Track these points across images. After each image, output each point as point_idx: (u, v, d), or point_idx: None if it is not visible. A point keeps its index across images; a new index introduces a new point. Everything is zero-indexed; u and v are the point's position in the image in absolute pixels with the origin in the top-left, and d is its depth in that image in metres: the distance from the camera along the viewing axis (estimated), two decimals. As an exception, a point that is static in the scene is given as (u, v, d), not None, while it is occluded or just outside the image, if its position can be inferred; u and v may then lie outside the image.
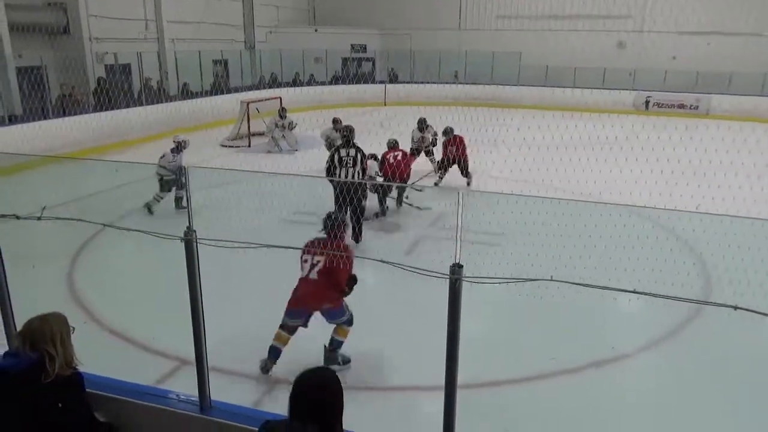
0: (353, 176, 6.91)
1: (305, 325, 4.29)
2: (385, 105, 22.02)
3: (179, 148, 8.44)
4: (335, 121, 11.13)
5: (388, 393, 4.25)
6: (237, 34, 22.00)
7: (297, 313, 4.23)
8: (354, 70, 24.95)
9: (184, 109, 15.74)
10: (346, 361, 4.48)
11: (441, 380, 2.71)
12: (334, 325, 4.38)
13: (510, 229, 7.75)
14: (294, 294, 4.23)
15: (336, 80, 23.68)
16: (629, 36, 23.21)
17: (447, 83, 22.84)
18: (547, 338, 4.97)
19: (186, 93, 17.31)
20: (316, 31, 24.97)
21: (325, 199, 7.50)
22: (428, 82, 22.42)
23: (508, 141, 11.23)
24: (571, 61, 22.18)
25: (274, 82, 21.03)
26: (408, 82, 22.86)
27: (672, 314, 5.21)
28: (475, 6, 24.81)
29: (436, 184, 10.09)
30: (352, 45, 25.01)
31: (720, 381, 4.43)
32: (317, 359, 4.32)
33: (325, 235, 4.33)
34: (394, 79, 24.05)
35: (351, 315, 4.36)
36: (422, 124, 11.23)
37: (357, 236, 7.06)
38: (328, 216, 4.38)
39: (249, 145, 14.05)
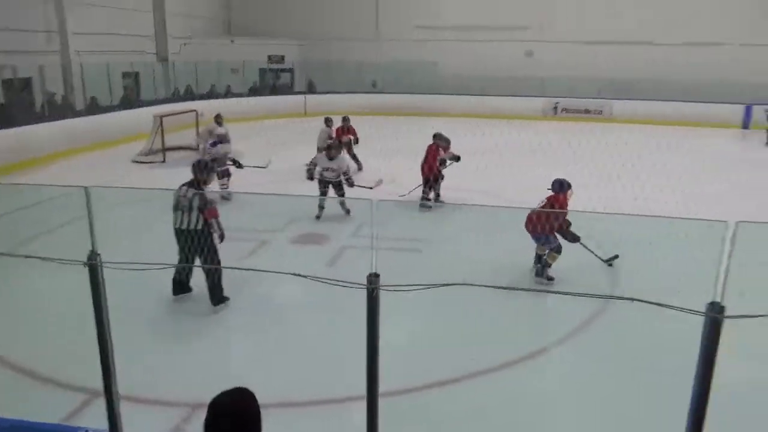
0: (189, 224, 5.36)
1: None
2: (305, 115, 21.90)
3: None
4: (327, 120, 12.38)
5: (310, 408, 4.20)
6: (148, 45, 21.20)
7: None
8: (272, 81, 24.68)
9: (92, 124, 14.96)
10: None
11: (363, 390, 2.72)
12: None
13: (432, 236, 7.95)
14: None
15: (254, 91, 23.32)
16: (536, 45, 24.39)
17: (366, 93, 23.09)
18: (467, 340, 5.07)
19: (94, 107, 16.46)
20: (232, 42, 24.52)
21: (251, 215, 7.36)
22: (347, 92, 22.53)
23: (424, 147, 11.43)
24: (485, 69, 23.07)
25: (189, 95, 20.42)
26: (327, 93, 22.86)
27: (584, 308, 5.49)
28: (392, 17, 25.29)
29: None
30: (269, 56, 24.73)
31: (627, 367, 4.70)
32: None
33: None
34: (312, 89, 23.99)
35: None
36: (329, 123, 12.39)
37: (215, 300, 5.55)
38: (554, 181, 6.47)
39: (164, 161, 13.55)
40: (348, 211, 8.81)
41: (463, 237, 7.60)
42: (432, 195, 9.64)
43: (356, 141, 12.90)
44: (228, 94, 21.99)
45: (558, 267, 6.33)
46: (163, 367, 4.59)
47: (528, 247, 6.49)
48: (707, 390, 2.56)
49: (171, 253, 5.48)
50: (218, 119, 13.48)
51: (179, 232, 5.42)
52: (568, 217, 6.29)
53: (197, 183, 5.56)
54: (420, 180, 9.58)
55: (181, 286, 5.74)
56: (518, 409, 4.21)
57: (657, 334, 4.82)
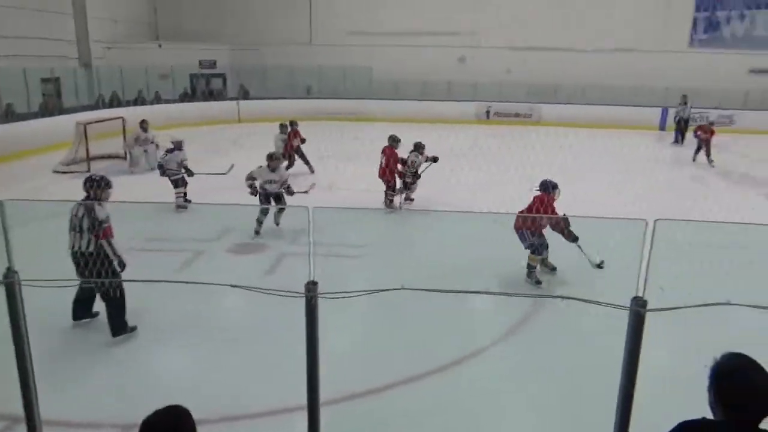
0: (81, 246, 4.91)
1: None
2: (239, 122, 21.48)
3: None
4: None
5: (251, 421, 4.11)
6: (70, 50, 20.17)
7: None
8: (203, 86, 24.07)
9: (9, 132, 14.09)
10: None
11: (305, 399, 2.69)
12: None
13: (372, 242, 7.96)
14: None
15: (184, 97, 22.66)
16: (469, 51, 25.00)
17: (301, 98, 22.92)
18: (408, 344, 5.11)
19: (10, 115, 15.50)
20: (160, 46, 23.73)
21: (178, 227, 7.13)
22: (282, 98, 22.28)
23: (365, 154, 11.48)
24: (420, 75, 23.46)
25: (116, 102, 19.59)
26: (261, 98, 22.52)
27: (519, 308, 5.65)
28: (326, 22, 25.25)
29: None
30: (200, 61, 24.10)
31: (561, 362, 4.87)
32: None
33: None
34: (246, 95, 23.58)
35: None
36: (283, 129, 12.73)
37: (114, 330, 5.05)
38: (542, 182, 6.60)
39: (88, 170, 12.92)
40: (278, 224, 8.57)
41: (404, 241, 7.69)
42: (397, 199, 9.83)
43: (303, 141, 13.01)
44: (157, 100, 21.24)
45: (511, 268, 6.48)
46: (90, 388, 4.36)
47: (466, 249, 6.60)
48: (633, 380, 2.69)
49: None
50: (143, 125, 13.07)
51: (73, 255, 4.96)
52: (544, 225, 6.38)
53: (92, 199, 5.07)
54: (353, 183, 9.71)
55: (82, 310, 5.31)
56: (460, 410, 4.27)
57: (588, 330, 5.03)
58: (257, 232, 8.23)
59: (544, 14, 23.60)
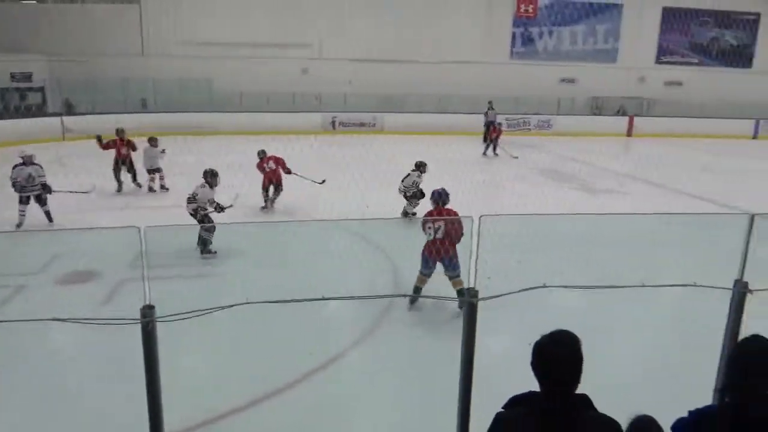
0: None
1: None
2: (63, 140, 19.49)
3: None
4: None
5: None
6: None
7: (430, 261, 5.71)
8: (17, 102, 21.48)
9: None
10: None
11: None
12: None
13: (222, 258, 7.66)
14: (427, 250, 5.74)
15: (-7, 114, 20.06)
16: (311, 63, 25.23)
17: (135, 112, 21.41)
18: (261, 359, 5.00)
19: None
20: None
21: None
22: (113, 113, 20.63)
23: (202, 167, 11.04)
24: (263, 86, 23.16)
25: None
26: (89, 113, 20.65)
27: (373, 311, 5.80)
28: (160, 32, 23.88)
29: None
30: (12, 74, 21.53)
31: (412, 359, 5.09)
32: None
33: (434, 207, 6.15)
34: (71, 110, 21.47)
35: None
36: (153, 142, 12.16)
37: None
38: (433, 193, 6.29)
39: None
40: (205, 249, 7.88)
41: (250, 256, 7.51)
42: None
43: (134, 148, 12.38)
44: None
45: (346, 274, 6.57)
46: None
47: (310, 259, 6.59)
48: (471, 366, 2.91)
49: None
50: None
51: None
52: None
53: None
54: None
55: None
56: (326, 417, 4.28)
57: (436, 325, 5.31)
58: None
59: (383, 28, 24.66)
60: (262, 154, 11.06)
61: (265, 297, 2.74)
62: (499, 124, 19.17)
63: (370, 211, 8.70)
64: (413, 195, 9.65)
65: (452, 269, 5.69)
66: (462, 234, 5.61)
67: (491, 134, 18.65)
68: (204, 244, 7.68)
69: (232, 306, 2.68)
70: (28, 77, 22.10)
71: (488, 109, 21.27)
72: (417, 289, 5.71)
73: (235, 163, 10.03)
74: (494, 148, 18.44)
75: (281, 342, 5.23)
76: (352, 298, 2.87)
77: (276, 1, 24.25)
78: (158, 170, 11.89)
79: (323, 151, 14.45)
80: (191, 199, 7.87)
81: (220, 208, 7.80)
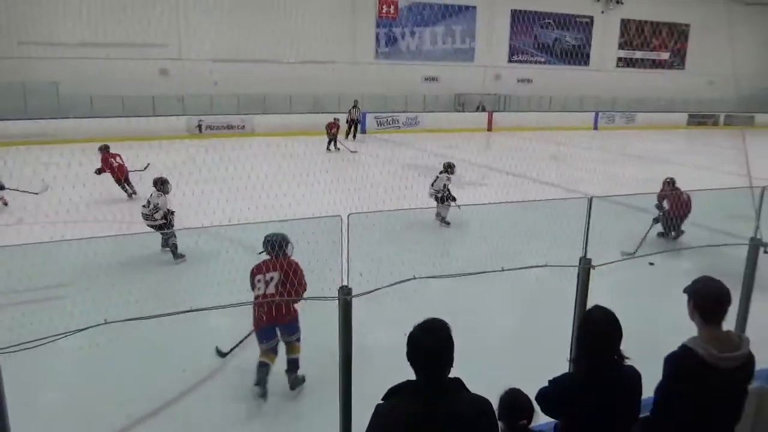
0: None
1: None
2: None
3: None
4: None
5: None
6: None
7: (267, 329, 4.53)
8: None
9: None
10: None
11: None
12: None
13: (79, 277, 7.03)
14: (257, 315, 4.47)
15: None
16: (171, 63, 23.92)
17: (-35, 121, 18.99)
18: (129, 383, 4.68)
19: None
20: None
21: None
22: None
23: (59, 180, 10.11)
24: (117, 89, 21.55)
25: None
26: None
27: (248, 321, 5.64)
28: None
29: None
30: None
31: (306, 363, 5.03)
32: None
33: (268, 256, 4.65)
34: None
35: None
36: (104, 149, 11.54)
37: None
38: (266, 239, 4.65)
39: None
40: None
41: (108, 271, 6.99)
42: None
43: None
44: None
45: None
46: None
47: (175, 269, 6.31)
48: (350, 363, 2.95)
49: None
50: None
51: None
52: None
53: None
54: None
55: None
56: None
57: (313, 326, 5.29)
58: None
59: (246, 28, 23.89)
60: (104, 149, 10.63)
61: (125, 315, 2.57)
62: (337, 119, 19.71)
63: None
64: (444, 198, 9.69)
65: (290, 332, 4.58)
66: (305, 287, 4.44)
67: (331, 130, 19.16)
68: (175, 249, 7.58)
69: (86, 329, 2.47)
70: None
71: (353, 106, 22.59)
72: (263, 369, 4.45)
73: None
74: (335, 144, 19.12)
75: (152, 361, 4.94)
76: (220, 307, 2.78)
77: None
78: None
79: (191, 155, 13.81)
80: (154, 209, 7.77)
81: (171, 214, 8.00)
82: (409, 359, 2.10)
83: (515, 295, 5.92)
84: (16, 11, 21.21)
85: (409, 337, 2.11)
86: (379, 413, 2.10)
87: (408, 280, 3.06)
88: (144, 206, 8.00)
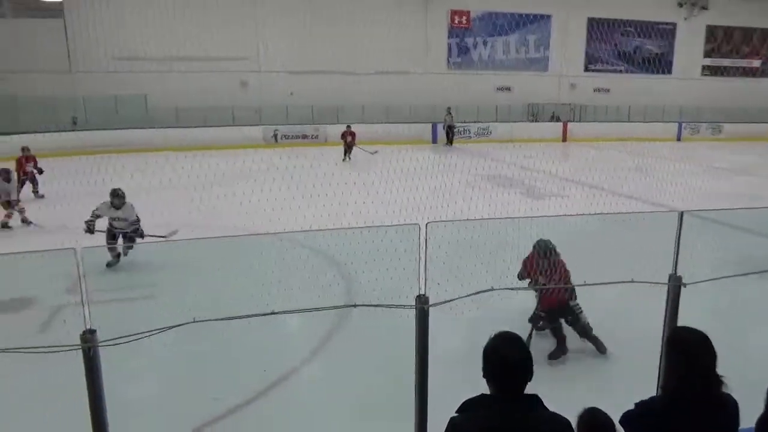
0: None
1: None
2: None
3: None
4: None
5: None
6: None
7: None
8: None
9: None
10: None
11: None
12: None
13: (166, 278, 7.41)
14: None
15: None
16: (250, 76, 24.91)
17: (65, 131, 20.51)
18: (212, 380, 4.87)
19: None
20: None
21: None
22: (40, 131, 19.69)
23: (144, 187, 10.71)
24: (200, 101, 22.67)
25: None
26: (10, 133, 19.57)
27: (325, 323, 5.75)
28: (88, 47, 22.95)
29: None
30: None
31: (370, 367, 5.07)
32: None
33: None
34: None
35: None
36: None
37: None
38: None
39: None
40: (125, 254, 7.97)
41: (194, 273, 7.30)
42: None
43: (40, 171, 12.83)
44: None
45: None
46: None
47: (256, 274, 6.48)
48: (425, 372, 2.93)
49: None
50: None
51: None
52: None
53: None
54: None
55: None
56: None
57: (388, 334, 5.31)
58: (109, 265, 7.71)
59: (322, 40, 24.63)
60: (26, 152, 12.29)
61: (211, 315, 2.67)
62: (349, 126, 19.77)
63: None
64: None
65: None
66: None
67: (346, 138, 19.32)
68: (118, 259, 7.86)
69: (177, 326, 2.59)
70: (-53, 94, 20.83)
71: (447, 113, 24.11)
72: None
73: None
74: (349, 153, 19.15)
75: (233, 361, 5.11)
76: (302, 311, 2.84)
77: (212, 14, 23.81)
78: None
79: (268, 164, 14.25)
80: (135, 222, 7.99)
81: (139, 234, 8.11)
82: (485, 371, 2.05)
83: (597, 311, 5.68)
84: (109, 30, 22.84)
85: (487, 348, 2.06)
86: (454, 426, 2.06)
87: (486, 291, 3.01)
88: (117, 220, 8.01)
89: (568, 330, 5.08)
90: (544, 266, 4.93)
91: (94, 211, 7.89)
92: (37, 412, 4.42)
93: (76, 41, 23.10)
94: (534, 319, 5.00)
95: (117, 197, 7.93)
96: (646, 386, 2.69)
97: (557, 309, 4.98)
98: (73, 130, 20.98)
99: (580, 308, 4.96)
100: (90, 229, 7.79)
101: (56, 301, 6.71)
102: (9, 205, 10.28)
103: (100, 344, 2.45)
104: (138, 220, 8.04)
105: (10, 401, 4.56)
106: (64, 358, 2.46)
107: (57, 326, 6.06)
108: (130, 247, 7.97)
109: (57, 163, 12.65)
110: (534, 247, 5.24)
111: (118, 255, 7.82)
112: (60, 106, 21.22)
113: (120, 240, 8.00)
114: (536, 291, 5.15)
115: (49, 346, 2.42)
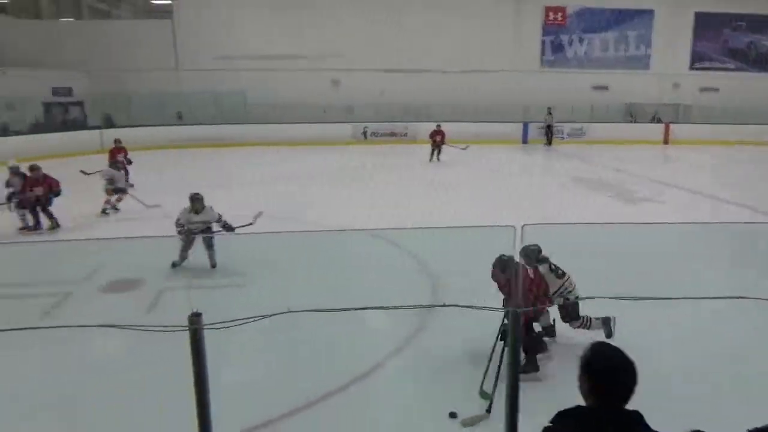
0: None
1: None
2: (101, 151, 20.03)
3: None
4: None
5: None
6: None
7: None
8: (60, 115, 22.25)
9: None
10: None
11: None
12: None
13: (256, 268, 7.74)
14: None
15: (37, 128, 20.77)
16: (342, 74, 25.47)
17: (171, 125, 21.99)
18: (303, 368, 5.03)
19: None
20: (3, 73, 21.63)
21: (40, 268, 6.49)
22: (149, 125, 21.21)
23: (238, 178, 11.21)
24: (294, 98, 23.50)
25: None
26: (126, 126, 21.24)
27: (411, 320, 5.77)
28: (193, 47, 24.48)
29: None
30: (54, 88, 22.30)
31: (454, 369, 5.04)
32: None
33: None
34: (110, 123, 22.14)
35: None
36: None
37: None
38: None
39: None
40: (213, 266, 7.78)
41: (283, 264, 7.57)
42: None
43: (129, 162, 13.55)
44: (3, 132, 19.29)
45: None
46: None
47: (345, 269, 6.62)
48: (517, 372, 2.87)
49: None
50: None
51: None
52: None
53: None
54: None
55: None
56: (369, 426, 4.27)
57: (472, 333, 5.27)
58: (174, 265, 7.70)
59: (412, 38, 24.74)
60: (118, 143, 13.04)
61: (303, 307, 2.76)
62: (439, 125, 18.63)
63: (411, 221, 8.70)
64: None
65: None
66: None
67: (435, 140, 18.00)
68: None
69: (274, 315, 2.71)
70: (68, 92, 22.85)
71: (548, 113, 23.44)
72: None
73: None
74: (438, 154, 17.82)
75: (321, 351, 5.26)
76: (392, 308, 2.87)
77: (306, 15, 24.60)
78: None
79: (357, 160, 14.52)
80: (218, 220, 7.84)
81: (228, 228, 7.97)
82: (584, 381, 1.96)
83: (695, 327, 5.32)
84: (211, 30, 24.23)
85: (590, 357, 1.97)
86: (548, 435, 2.00)
87: (576, 299, 2.91)
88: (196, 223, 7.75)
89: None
90: (501, 281, 4.37)
91: (177, 221, 7.71)
92: (143, 387, 4.77)
93: (182, 41, 24.65)
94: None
95: (197, 201, 7.75)
96: (759, 410, 2.48)
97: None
98: (177, 124, 22.40)
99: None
100: (181, 232, 7.66)
101: (160, 286, 7.20)
102: (116, 192, 11.02)
103: (205, 326, 2.60)
104: (221, 218, 7.86)
105: (119, 376, 4.94)
106: (168, 338, 2.61)
107: (161, 307, 6.51)
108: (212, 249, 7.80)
109: (162, 155, 13.48)
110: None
111: (185, 258, 7.72)
112: (167, 102, 22.78)
113: (195, 241, 7.76)
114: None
115: (160, 326, 2.59)
